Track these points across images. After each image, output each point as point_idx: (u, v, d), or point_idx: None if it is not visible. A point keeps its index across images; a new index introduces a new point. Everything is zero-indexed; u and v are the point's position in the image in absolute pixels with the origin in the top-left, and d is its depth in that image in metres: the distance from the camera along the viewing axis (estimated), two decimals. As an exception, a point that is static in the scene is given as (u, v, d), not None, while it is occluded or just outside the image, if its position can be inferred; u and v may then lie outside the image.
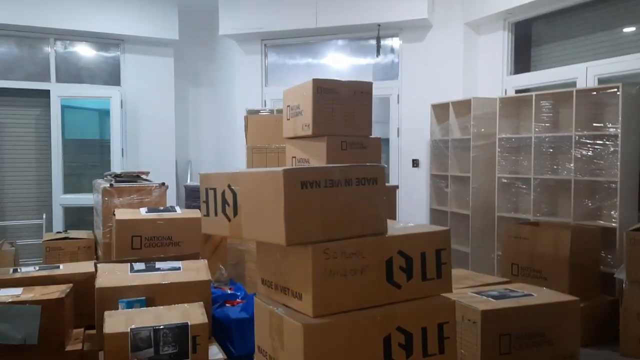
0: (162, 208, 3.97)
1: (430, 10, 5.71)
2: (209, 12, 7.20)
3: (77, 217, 6.43)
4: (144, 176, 4.34)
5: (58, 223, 6.23)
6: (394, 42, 6.17)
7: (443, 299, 1.68)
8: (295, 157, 3.51)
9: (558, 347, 2.34)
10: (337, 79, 3.25)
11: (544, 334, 2.32)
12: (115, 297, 2.83)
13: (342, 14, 5.97)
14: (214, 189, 1.65)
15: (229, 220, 1.61)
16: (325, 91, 3.14)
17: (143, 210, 3.83)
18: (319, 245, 1.45)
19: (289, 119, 3.46)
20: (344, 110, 3.21)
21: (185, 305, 2.78)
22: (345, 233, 1.50)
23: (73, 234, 4.62)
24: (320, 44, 6.64)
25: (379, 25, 5.91)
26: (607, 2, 4.67)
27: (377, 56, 6.05)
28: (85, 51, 6.62)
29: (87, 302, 3.10)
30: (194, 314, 2.69)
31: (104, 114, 6.72)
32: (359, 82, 3.29)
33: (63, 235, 4.51)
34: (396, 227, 1.69)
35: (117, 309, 2.79)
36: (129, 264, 3.07)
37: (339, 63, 6.60)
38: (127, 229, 3.60)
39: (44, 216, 5.71)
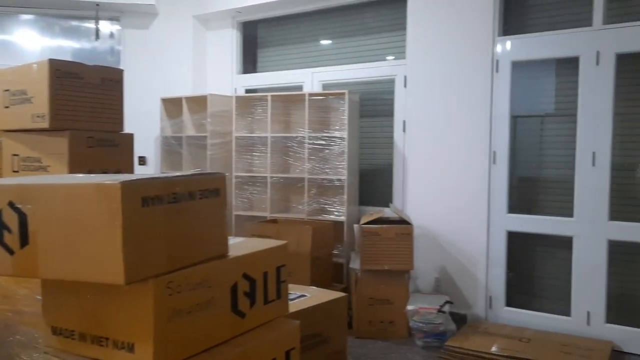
0: None
1: (158, -4, 5.34)
2: None
3: None
4: None
5: None
6: (114, 27, 5.56)
7: (286, 323, 1.49)
8: (18, 155, 2.82)
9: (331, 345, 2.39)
10: (80, 62, 2.72)
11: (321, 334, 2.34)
12: None
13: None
14: (-27, 208, 1.11)
15: (11, 253, 1.10)
16: (67, 75, 2.60)
17: None
18: (162, 278, 1.10)
19: (7, 107, 2.76)
20: (90, 101, 2.72)
21: None
22: (190, 259, 1.18)
23: None
24: (14, 18, 5.53)
25: (98, 4, 5.24)
26: (330, 13, 5.09)
27: (96, 39, 5.37)
28: None
29: None
30: None
31: None
32: (108, 68, 2.81)
33: None
34: (231, 244, 1.42)
35: None
36: None
37: (37, 44, 5.58)
38: None
39: None
